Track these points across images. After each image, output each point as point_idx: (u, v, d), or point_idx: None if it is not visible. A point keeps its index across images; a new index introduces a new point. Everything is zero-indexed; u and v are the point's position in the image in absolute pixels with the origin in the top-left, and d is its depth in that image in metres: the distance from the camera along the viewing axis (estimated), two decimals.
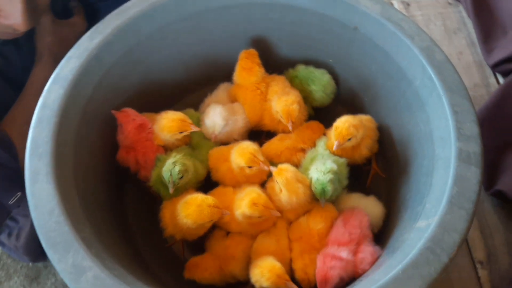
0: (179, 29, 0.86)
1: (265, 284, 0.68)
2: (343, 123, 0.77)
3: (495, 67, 1.08)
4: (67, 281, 0.57)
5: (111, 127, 0.82)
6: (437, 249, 0.58)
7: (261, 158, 0.77)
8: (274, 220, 0.78)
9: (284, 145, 0.85)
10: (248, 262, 0.75)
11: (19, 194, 0.82)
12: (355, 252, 0.72)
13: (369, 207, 0.78)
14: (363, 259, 0.71)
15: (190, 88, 0.96)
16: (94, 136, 0.78)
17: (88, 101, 0.76)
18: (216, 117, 0.84)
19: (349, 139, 0.77)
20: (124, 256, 0.71)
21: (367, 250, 0.71)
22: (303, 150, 0.85)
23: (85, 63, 0.75)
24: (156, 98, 0.90)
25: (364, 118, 0.83)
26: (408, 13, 1.19)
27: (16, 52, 0.95)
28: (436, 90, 0.71)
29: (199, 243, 0.79)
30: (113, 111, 0.82)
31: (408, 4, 1.21)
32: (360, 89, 0.91)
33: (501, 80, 1.09)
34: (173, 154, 0.78)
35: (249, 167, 0.77)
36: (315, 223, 0.76)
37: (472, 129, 0.67)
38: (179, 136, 0.81)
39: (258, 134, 0.92)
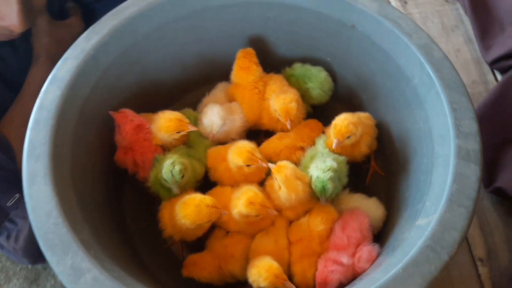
0: (176, 29, 0.86)
1: (262, 284, 0.68)
2: (342, 120, 0.77)
3: (493, 64, 1.08)
4: (65, 283, 0.57)
5: (108, 128, 0.82)
6: (437, 247, 0.58)
7: (258, 155, 0.77)
8: (272, 219, 0.78)
9: (283, 143, 0.85)
10: (247, 262, 0.75)
11: (17, 196, 0.81)
12: (354, 254, 0.72)
13: (370, 209, 0.78)
14: (360, 257, 0.71)
15: (188, 87, 0.96)
16: (92, 137, 0.78)
17: (85, 102, 0.76)
18: (214, 116, 0.84)
19: (348, 137, 0.77)
20: (123, 257, 0.71)
21: (365, 248, 0.71)
22: (302, 149, 0.85)
23: (82, 64, 0.75)
24: (153, 98, 0.90)
25: (362, 115, 0.82)
26: (405, 10, 1.19)
27: (12, 53, 0.95)
28: (434, 87, 0.71)
29: (198, 244, 0.79)
30: (111, 112, 0.81)
31: (405, 2, 1.21)
32: (358, 87, 0.91)
33: (499, 77, 1.08)
34: (169, 155, 0.78)
35: (248, 165, 0.77)
36: (316, 224, 0.75)
37: (471, 126, 0.67)
38: (177, 136, 0.81)
39: (256, 133, 0.91)
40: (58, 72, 0.74)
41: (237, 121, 0.87)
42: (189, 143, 0.86)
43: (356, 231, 0.73)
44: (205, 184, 0.83)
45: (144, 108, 0.85)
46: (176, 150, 0.82)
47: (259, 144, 0.86)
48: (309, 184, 0.76)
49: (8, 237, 0.86)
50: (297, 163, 0.80)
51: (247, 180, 0.79)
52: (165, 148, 0.83)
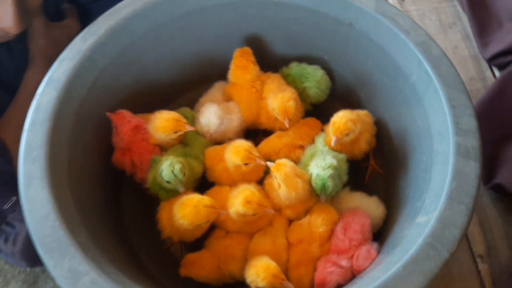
0: (172, 29, 0.86)
1: (260, 284, 0.68)
2: (341, 118, 0.77)
3: (491, 61, 1.08)
4: (63, 286, 0.57)
5: (106, 129, 0.82)
6: (437, 245, 0.58)
7: (256, 154, 0.77)
8: (270, 218, 0.78)
9: (282, 142, 0.85)
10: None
11: (14, 198, 0.81)
12: (353, 255, 0.72)
13: (370, 208, 0.78)
14: (358, 255, 0.71)
15: (185, 87, 0.96)
16: (89, 138, 0.78)
17: (82, 103, 0.75)
18: (211, 115, 0.84)
19: (347, 134, 0.77)
20: (121, 259, 0.71)
21: (363, 247, 0.71)
22: (302, 147, 0.84)
23: (78, 64, 0.75)
24: (151, 98, 0.89)
25: (361, 113, 0.82)
26: (402, 8, 1.18)
27: (8, 55, 0.94)
28: (433, 84, 0.71)
29: (197, 245, 0.79)
30: (107, 113, 0.81)
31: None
32: (356, 85, 0.91)
33: (497, 73, 1.08)
34: (165, 157, 0.78)
35: (245, 164, 0.77)
36: (317, 226, 0.75)
37: (470, 123, 0.66)
38: (174, 135, 0.81)
39: (255, 133, 0.91)
40: (54, 73, 0.74)
41: (235, 121, 0.87)
42: (185, 141, 0.85)
43: (357, 233, 0.73)
44: (204, 184, 0.83)
45: (141, 108, 0.85)
46: (172, 150, 0.81)
47: (257, 143, 0.86)
48: (309, 182, 0.75)
49: (6, 240, 0.86)
50: (296, 162, 0.80)
51: (245, 179, 0.79)
52: (163, 148, 0.83)
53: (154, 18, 0.82)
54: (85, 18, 1.03)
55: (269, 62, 0.92)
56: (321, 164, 0.74)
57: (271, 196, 0.77)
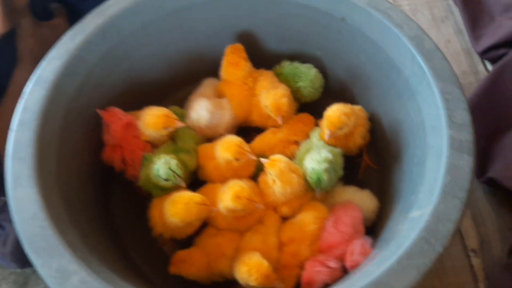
0: (162, 26, 0.85)
1: (252, 283, 0.68)
2: (334, 111, 0.77)
3: (483, 54, 1.08)
4: (52, 286, 0.56)
5: (95, 127, 0.81)
6: (431, 239, 0.58)
7: (247, 149, 0.76)
8: (261, 214, 0.77)
9: (277, 138, 0.85)
10: None
11: (2, 199, 0.80)
12: (345, 250, 0.71)
13: (363, 201, 0.78)
14: (353, 251, 0.70)
15: (176, 85, 0.95)
16: (78, 137, 0.77)
17: (71, 102, 0.74)
18: (201, 110, 0.84)
19: (341, 128, 0.76)
20: (111, 258, 0.70)
21: (357, 242, 0.71)
22: (296, 143, 0.84)
23: (66, 63, 0.74)
24: (141, 96, 0.88)
25: (355, 108, 0.82)
26: (394, 2, 1.19)
27: None
28: (426, 78, 0.71)
29: (190, 242, 0.78)
30: (98, 110, 0.80)
31: None
32: (349, 80, 0.91)
33: (489, 67, 1.08)
34: (157, 156, 0.77)
35: (237, 159, 0.76)
36: (307, 224, 0.75)
37: (464, 116, 0.66)
38: (165, 132, 0.80)
39: (247, 132, 0.90)
40: (42, 72, 0.73)
41: (226, 116, 0.86)
42: (175, 136, 0.84)
43: (348, 226, 0.73)
44: (196, 182, 0.82)
45: (131, 106, 0.84)
46: (162, 147, 0.81)
47: (250, 141, 0.85)
48: (304, 177, 0.75)
49: None
50: (291, 158, 0.80)
51: (237, 175, 0.79)
52: (154, 145, 0.82)
53: (143, 16, 0.82)
54: (74, 17, 1.01)
55: (262, 58, 0.91)
56: (316, 158, 0.74)
57: (267, 194, 0.77)
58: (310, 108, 0.90)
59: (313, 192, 0.77)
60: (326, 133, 0.76)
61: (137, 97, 0.88)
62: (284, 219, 0.79)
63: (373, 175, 0.87)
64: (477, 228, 0.89)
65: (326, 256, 0.72)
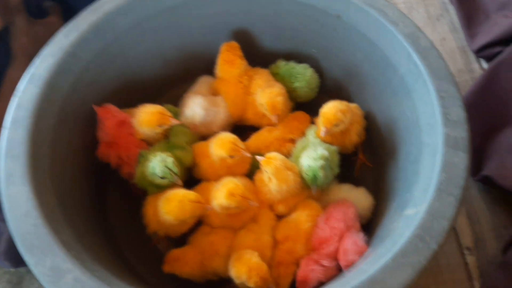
0: (157, 23, 0.85)
1: (250, 285, 0.68)
2: (330, 108, 0.76)
3: (478, 52, 1.08)
4: (45, 285, 0.56)
5: (90, 125, 0.80)
6: (426, 237, 0.58)
7: (241, 146, 0.76)
8: (255, 211, 0.77)
9: (272, 136, 0.84)
10: None
11: None
12: (337, 246, 0.71)
13: (358, 199, 0.78)
14: (346, 250, 0.70)
15: (171, 82, 0.95)
16: (73, 135, 0.76)
17: (65, 99, 0.74)
18: (195, 107, 0.83)
19: (337, 125, 0.76)
20: (106, 257, 0.70)
21: (350, 240, 0.71)
22: (292, 141, 0.84)
23: (60, 60, 0.74)
24: (136, 94, 0.88)
25: (351, 105, 0.82)
26: (390, 0, 1.18)
27: None
28: (421, 76, 0.70)
29: (185, 241, 0.78)
30: (94, 106, 0.80)
31: None
32: (345, 78, 0.91)
33: (484, 65, 1.09)
34: (151, 154, 0.77)
35: (231, 156, 0.76)
36: (301, 222, 0.75)
37: (459, 114, 0.66)
38: (159, 129, 0.80)
39: (242, 131, 0.90)
40: (36, 69, 0.73)
41: (220, 114, 0.86)
42: (170, 133, 0.84)
43: (339, 221, 0.73)
44: (191, 181, 0.82)
45: (126, 104, 0.84)
46: (157, 145, 0.81)
47: (246, 139, 0.85)
48: (300, 174, 0.75)
49: None
50: (287, 156, 0.80)
51: (231, 172, 0.78)
52: (148, 143, 0.82)
53: (138, 13, 0.81)
54: (69, 15, 1.01)
55: (257, 56, 0.91)
56: (312, 155, 0.74)
57: (263, 192, 0.77)
58: (306, 106, 0.90)
59: (309, 190, 0.76)
60: (322, 130, 0.76)
61: (132, 94, 0.88)
62: (279, 217, 0.78)
63: (368, 173, 0.86)
64: (472, 226, 0.89)
65: (320, 255, 0.72)
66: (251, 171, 0.81)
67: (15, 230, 0.59)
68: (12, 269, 0.86)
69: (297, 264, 0.73)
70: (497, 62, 0.98)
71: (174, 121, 0.80)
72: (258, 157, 0.75)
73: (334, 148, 0.78)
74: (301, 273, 0.71)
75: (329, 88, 0.92)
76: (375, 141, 0.86)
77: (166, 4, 0.83)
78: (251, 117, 0.88)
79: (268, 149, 0.83)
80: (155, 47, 0.88)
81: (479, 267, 0.85)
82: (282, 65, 0.90)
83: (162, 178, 0.74)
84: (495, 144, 0.93)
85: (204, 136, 0.85)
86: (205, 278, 0.76)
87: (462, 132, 0.65)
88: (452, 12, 1.16)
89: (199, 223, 0.78)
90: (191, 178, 0.82)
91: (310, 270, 0.70)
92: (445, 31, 1.14)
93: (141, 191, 0.81)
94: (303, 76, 0.88)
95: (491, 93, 0.96)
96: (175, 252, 0.75)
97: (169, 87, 0.95)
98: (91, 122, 0.80)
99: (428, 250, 0.57)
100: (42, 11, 1.01)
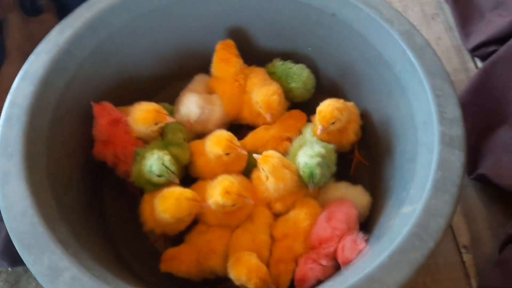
0: (152, 20, 0.84)
1: (249, 285, 0.68)
2: (326, 106, 0.76)
3: (473, 51, 1.09)
4: (43, 283, 0.56)
5: (86, 123, 0.80)
6: (423, 235, 0.58)
7: (237, 143, 0.76)
8: (250, 209, 0.77)
9: (269, 134, 0.84)
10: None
11: None
12: (337, 248, 0.71)
13: (356, 197, 0.78)
14: (344, 247, 0.70)
15: (166, 81, 0.94)
16: (69, 134, 0.76)
17: (61, 97, 0.74)
18: (191, 105, 0.83)
19: (333, 123, 0.76)
20: (103, 255, 0.70)
21: (349, 238, 0.71)
22: (289, 139, 0.84)
23: (55, 58, 0.73)
24: (132, 92, 0.88)
25: (348, 104, 0.82)
26: None
27: None
28: (417, 74, 0.71)
29: (182, 239, 0.78)
30: (92, 103, 0.80)
31: None
32: (340, 77, 0.91)
33: (479, 64, 1.09)
34: (148, 152, 0.77)
35: (227, 154, 0.76)
36: (300, 220, 0.75)
37: (455, 112, 0.67)
38: (155, 127, 0.79)
39: (238, 130, 0.90)
40: (30, 67, 0.72)
41: (216, 112, 0.86)
42: (165, 131, 0.84)
43: (342, 223, 0.73)
44: (188, 179, 0.81)
45: (122, 102, 0.84)
46: (153, 143, 0.80)
47: (243, 137, 0.85)
48: (297, 173, 0.75)
49: None
50: (284, 154, 0.80)
51: (227, 170, 0.79)
52: (144, 141, 0.82)
53: (133, 10, 0.81)
54: (63, 13, 1.01)
55: (253, 55, 0.91)
56: (309, 153, 0.74)
57: (260, 190, 0.77)
58: (302, 104, 0.90)
59: (306, 188, 0.76)
60: (319, 128, 0.76)
61: (127, 93, 0.87)
62: (276, 215, 0.78)
63: (364, 171, 0.87)
64: (468, 224, 0.90)
65: (319, 254, 0.72)
66: (248, 169, 0.81)
67: (12, 229, 0.59)
68: (9, 269, 0.86)
69: (296, 262, 0.73)
70: (492, 61, 0.99)
71: (169, 119, 0.79)
72: (255, 155, 0.75)
73: (331, 146, 0.78)
74: (299, 271, 0.71)
75: (324, 87, 0.92)
76: (371, 140, 0.86)
77: (160, 2, 0.83)
78: (246, 116, 0.88)
79: (265, 147, 0.83)
80: (150, 45, 0.88)
81: (476, 266, 0.85)
82: (279, 65, 0.90)
83: (159, 176, 0.74)
84: (490, 143, 0.93)
85: (200, 135, 0.85)
86: (202, 277, 0.75)
87: (457, 130, 0.65)
88: (447, 11, 1.17)
89: (195, 222, 0.78)
90: (187, 177, 0.82)
91: (309, 269, 0.70)
92: (441, 30, 1.14)
93: (137, 190, 0.80)
94: (300, 77, 0.88)
95: (486, 92, 0.97)
96: (171, 251, 0.75)
97: (164, 85, 0.95)
98: (87, 120, 0.80)
99: (425, 248, 0.57)
100: (36, 8, 1.01)
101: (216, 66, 0.87)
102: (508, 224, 0.87)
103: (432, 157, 0.63)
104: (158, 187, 0.76)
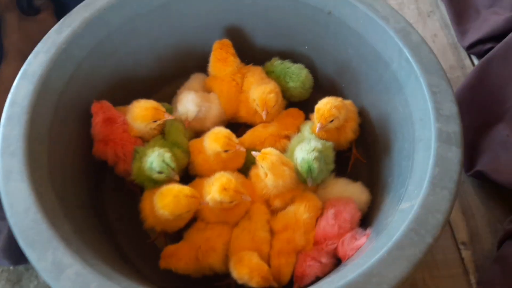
0: (150, 20, 0.85)
1: (251, 284, 0.68)
2: (325, 104, 0.77)
3: (469, 49, 1.09)
4: (47, 279, 0.56)
5: (86, 122, 0.80)
6: (421, 230, 0.58)
7: (236, 140, 0.76)
8: (248, 206, 0.77)
9: (267, 131, 0.85)
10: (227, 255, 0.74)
11: None
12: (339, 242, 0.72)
13: (355, 193, 0.78)
14: (343, 241, 0.71)
15: (164, 80, 0.95)
16: (70, 132, 0.76)
17: (60, 96, 0.74)
18: (188, 103, 0.83)
19: (331, 121, 0.77)
20: (105, 251, 0.70)
21: (349, 234, 0.72)
22: (287, 137, 0.84)
23: (54, 57, 0.73)
24: (130, 91, 0.88)
25: (345, 102, 0.82)
26: None
27: None
28: (413, 71, 0.71)
29: (182, 237, 0.78)
30: (95, 100, 0.80)
31: None
32: (337, 75, 0.91)
33: (475, 61, 1.09)
34: (149, 149, 0.77)
35: (225, 151, 0.76)
36: (300, 213, 0.75)
37: (451, 108, 0.67)
38: (153, 125, 0.80)
39: (235, 129, 0.90)
40: (29, 66, 0.72)
41: (214, 110, 0.86)
42: (164, 131, 0.84)
43: (347, 222, 0.74)
44: (186, 177, 0.82)
45: (120, 101, 0.84)
46: (154, 141, 0.81)
47: (241, 134, 0.86)
48: (295, 170, 0.75)
49: None
50: (282, 151, 0.80)
51: (226, 167, 0.79)
52: (143, 139, 0.82)
53: (131, 9, 0.81)
54: (61, 13, 1.01)
55: (250, 54, 0.91)
56: (306, 148, 0.74)
57: (259, 187, 0.77)
58: (300, 103, 0.90)
59: (305, 185, 0.77)
60: (317, 126, 0.77)
61: (126, 91, 0.87)
62: (275, 211, 0.79)
63: (362, 168, 0.87)
64: (467, 221, 0.90)
65: (320, 251, 0.73)
66: (246, 166, 0.82)
67: (16, 226, 0.59)
68: (11, 267, 0.86)
69: (297, 253, 0.73)
70: (488, 58, 0.99)
71: (168, 116, 0.79)
72: (254, 153, 0.75)
73: (329, 144, 0.79)
74: (298, 268, 0.72)
75: (321, 85, 0.93)
76: (369, 137, 0.87)
77: (158, 1, 0.83)
78: (243, 115, 0.88)
79: (263, 144, 0.83)
80: (148, 44, 0.88)
81: (475, 262, 0.86)
82: (278, 64, 0.90)
83: (159, 172, 0.74)
84: (487, 140, 0.94)
85: (198, 132, 0.85)
86: (201, 274, 0.76)
87: (454, 127, 0.65)
88: (443, 9, 1.17)
89: (194, 219, 0.78)
90: (186, 175, 0.82)
91: (308, 266, 0.71)
92: (436, 28, 1.14)
93: (137, 188, 0.81)
94: (298, 77, 0.88)
95: (483, 89, 0.97)
96: (170, 248, 0.75)
97: (163, 84, 0.95)
98: (88, 119, 0.80)
99: (423, 244, 0.58)
100: (33, 8, 1.01)
101: (213, 65, 0.88)
102: (506, 220, 0.88)
103: (430, 153, 0.64)
104: (158, 184, 0.76)
